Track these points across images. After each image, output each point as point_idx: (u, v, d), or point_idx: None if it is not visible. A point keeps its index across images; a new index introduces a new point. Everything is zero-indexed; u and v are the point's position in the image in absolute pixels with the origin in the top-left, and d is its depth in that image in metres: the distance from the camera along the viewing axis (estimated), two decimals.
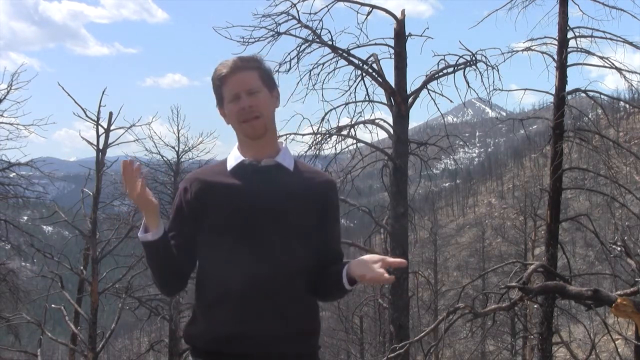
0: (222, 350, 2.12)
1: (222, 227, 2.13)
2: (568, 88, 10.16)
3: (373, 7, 9.99)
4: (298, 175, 2.23)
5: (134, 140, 15.41)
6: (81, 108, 12.54)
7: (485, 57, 10.24)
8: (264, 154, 2.20)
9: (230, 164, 2.22)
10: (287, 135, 10.24)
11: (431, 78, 10.20)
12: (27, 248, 13.75)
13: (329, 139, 10.47)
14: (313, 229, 2.19)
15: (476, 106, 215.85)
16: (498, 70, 10.33)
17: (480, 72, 10.22)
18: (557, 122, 10.03)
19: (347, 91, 10.21)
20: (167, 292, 2.33)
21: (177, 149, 17.62)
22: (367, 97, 10.34)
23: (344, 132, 10.53)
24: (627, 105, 13.61)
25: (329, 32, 9.85)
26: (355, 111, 10.35)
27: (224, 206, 2.14)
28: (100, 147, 12.84)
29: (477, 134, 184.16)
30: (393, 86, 10.10)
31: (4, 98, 12.37)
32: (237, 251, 2.08)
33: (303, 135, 10.44)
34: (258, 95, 2.15)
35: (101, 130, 12.81)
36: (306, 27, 9.78)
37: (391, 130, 10.33)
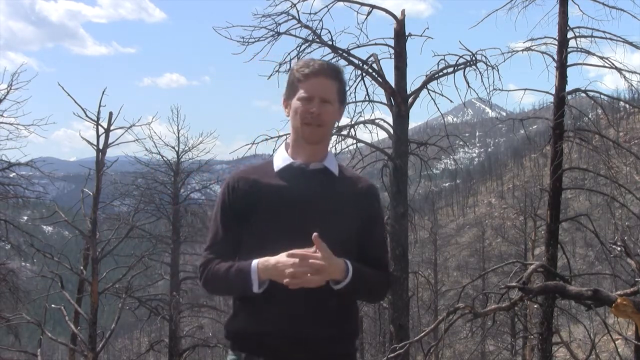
0: (263, 345, 2.15)
1: (268, 227, 2.15)
2: (568, 88, 10.15)
3: (373, 7, 9.98)
4: (343, 180, 2.27)
5: (134, 140, 15.43)
6: (81, 108, 12.53)
7: (485, 57, 10.23)
8: (314, 158, 2.23)
9: (278, 165, 2.24)
10: (288, 135, 10.21)
11: (431, 78, 10.19)
12: (27, 248, 13.75)
13: None
14: (355, 233, 2.21)
15: (476, 106, 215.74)
16: (498, 70, 10.32)
17: (480, 72, 10.21)
18: (557, 122, 10.02)
19: (347, 91, 10.20)
20: None
21: (177, 149, 17.68)
22: (367, 97, 10.34)
23: (344, 132, 10.52)
24: (627, 105, 13.61)
25: (329, 32, 9.84)
26: (355, 111, 10.35)
27: (271, 207, 2.16)
28: (100, 147, 12.82)
29: (477, 134, 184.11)
30: (393, 86, 10.10)
31: (4, 98, 12.38)
32: (283, 252, 2.07)
33: None
34: (328, 107, 2.20)
35: (101, 130, 12.79)
36: (306, 27, 9.77)
37: (391, 130, 10.33)
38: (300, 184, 2.18)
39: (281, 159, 2.25)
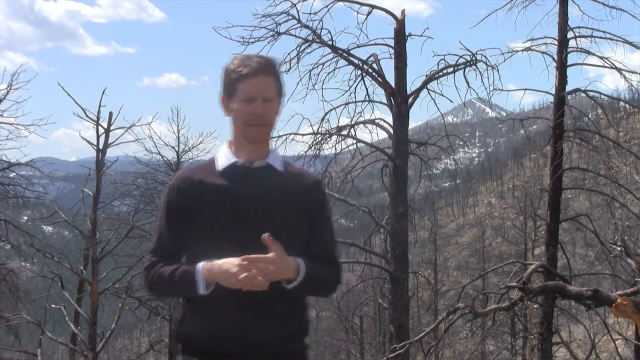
0: (214, 350, 2.13)
1: (213, 228, 2.12)
2: (568, 88, 10.16)
3: (373, 7, 9.99)
4: (287, 176, 2.24)
5: (134, 140, 15.37)
6: (81, 108, 12.53)
7: (485, 57, 10.25)
8: (257, 156, 2.21)
9: (222, 164, 2.21)
10: (287, 135, 10.24)
11: (431, 78, 10.20)
12: (27, 248, 13.75)
13: (329, 139, 10.46)
14: (303, 230, 2.19)
15: (476, 106, 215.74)
16: (498, 70, 10.34)
17: (480, 72, 10.23)
18: (557, 122, 10.03)
19: (347, 91, 10.21)
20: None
21: (177, 149, 17.62)
22: (367, 97, 10.35)
23: (344, 132, 10.52)
24: (627, 105, 13.61)
25: (329, 32, 9.86)
26: (355, 111, 10.36)
27: (215, 207, 2.13)
28: (100, 147, 12.81)
29: (477, 134, 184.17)
30: (393, 86, 10.10)
31: (4, 98, 12.35)
32: (229, 252, 2.05)
33: (303, 135, 10.44)
34: (271, 105, 2.16)
35: (101, 130, 12.78)
36: (306, 27, 9.78)
37: (391, 130, 10.33)
38: (245, 183, 2.15)
39: (225, 158, 2.22)
